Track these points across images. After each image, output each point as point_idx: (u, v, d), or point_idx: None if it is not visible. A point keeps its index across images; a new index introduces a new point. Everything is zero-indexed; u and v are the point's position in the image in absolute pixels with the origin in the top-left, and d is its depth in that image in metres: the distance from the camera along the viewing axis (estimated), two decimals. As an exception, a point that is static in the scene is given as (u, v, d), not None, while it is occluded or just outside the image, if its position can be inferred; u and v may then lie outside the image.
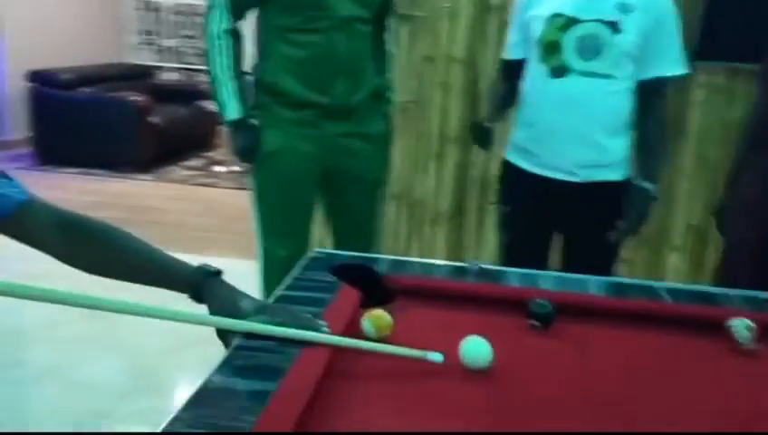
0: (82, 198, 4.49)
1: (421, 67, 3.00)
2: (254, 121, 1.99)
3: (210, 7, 1.94)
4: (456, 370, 1.01)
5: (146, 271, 1.07)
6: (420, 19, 2.95)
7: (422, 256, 1.33)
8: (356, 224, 2.18)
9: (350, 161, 2.05)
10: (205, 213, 4.41)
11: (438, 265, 1.42)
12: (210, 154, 6.14)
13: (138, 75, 6.34)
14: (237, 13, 1.96)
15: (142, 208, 4.45)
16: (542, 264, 1.97)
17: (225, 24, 1.94)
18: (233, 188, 4.65)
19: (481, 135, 2.01)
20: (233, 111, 1.95)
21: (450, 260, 1.54)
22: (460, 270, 1.38)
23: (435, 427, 0.89)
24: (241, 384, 0.89)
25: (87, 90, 5.46)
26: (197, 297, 1.04)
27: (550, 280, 1.37)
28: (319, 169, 2.03)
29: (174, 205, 4.54)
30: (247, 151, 2.00)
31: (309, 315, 1.04)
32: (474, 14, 2.93)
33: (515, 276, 1.38)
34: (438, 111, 3.04)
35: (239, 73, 1.97)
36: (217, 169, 5.50)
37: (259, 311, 1.02)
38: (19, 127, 5.54)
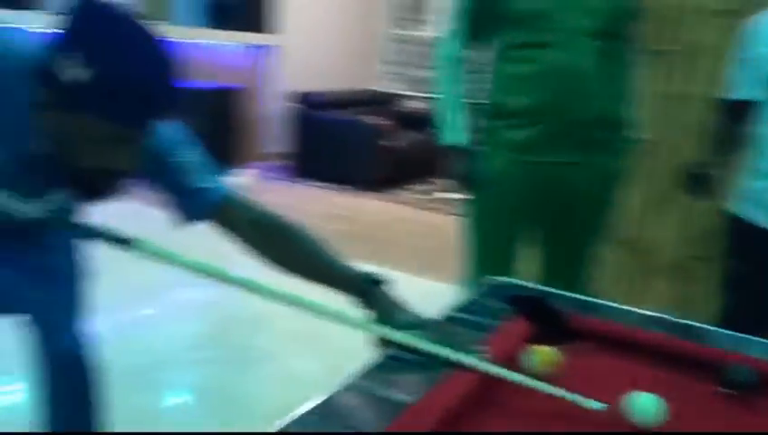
0: (317, 209, 4.89)
1: (660, 103, 2.80)
2: (473, 148, 1.98)
3: (443, 34, 1.99)
4: (614, 424, 0.92)
5: (323, 273, 1.14)
6: (665, 53, 2.76)
7: (638, 306, 1.22)
8: (566, 263, 2.06)
9: (569, 195, 1.93)
10: (424, 235, 4.54)
11: (631, 312, 1.30)
12: (441, 180, 6.31)
13: (384, 101, 6.75)
14: (471, 39, 1.96)
15: (366, 224, 4.71)
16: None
17: (454, 51, 1.96)
18: (458, 215, 4.70)
19: (696, 182, 1.81)
20: (452, 136, 1.96)
21: (670, 313, 1.39)
22: (653, 320, 1.26)
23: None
24: (381, 391, 0.90)
25: (337, 112, 5.96)
26: (365, 304, 1.08)
27: (762, 348, 1.19)
28: (534, 200, 1.94)
29: (396, 225, 4.74)
30: (464, 177, 1.99)
31: (467, 339, 1.03)
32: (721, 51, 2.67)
33: (719, 337, 1.22)
34: (673, 151, 2.81)
35: (462, 101, 1.97)
36: (445, 195, 5.64)
37: (418, 326, 1.03)
38: (281, 142, 6.21)
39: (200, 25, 5.68)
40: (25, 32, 1.12)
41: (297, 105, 5.89)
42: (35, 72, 0.98)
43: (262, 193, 5.25)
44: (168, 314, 2.95)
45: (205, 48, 5.46)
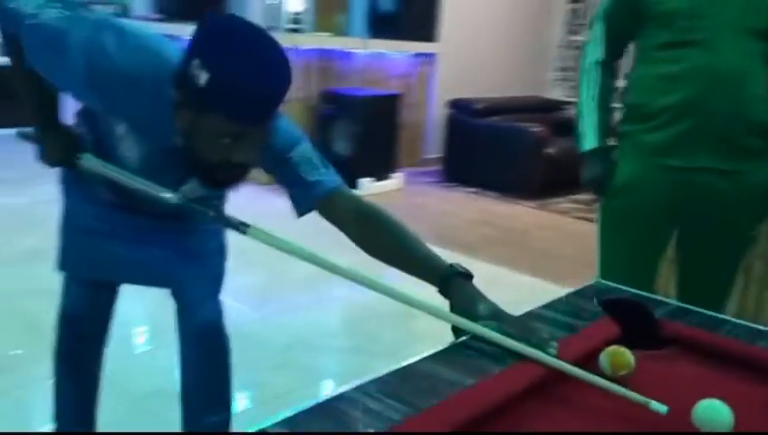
0: (466, 214, 4.96)
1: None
2: (610, 153, 1.96)
3: (588, 40, 1.99)
4: (675, 428, 0.92)
5: (412, 263, 1.22)
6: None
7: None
8: (705, 277, 1.97)
9: (712, 205, 1.83)
10: (571, 244, 4.44)
11: (733, 323, 1.25)
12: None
13: (547, 109, 6.65)
14: (615, 45, 1.93)
15: (511, 229, 4.70)
16: None
17: (598, 56, 1.94)
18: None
19: None
20: (590, 141, 1.94)
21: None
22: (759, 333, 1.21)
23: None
24: (444, 373, 0.97)
25: (496, 119, 5.98)
26: (444, 292, 1.15)
27: None
28: (671, 207, 1.87)
29: (546, 233, 4.68)
30: (597, 182, 1.97)
31: (542, 335, 1.06)
32: None
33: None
34: None
35: (604, 106, 1.94)
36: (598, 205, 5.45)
37: (493, 317, 1.08)
38: (436, 148, 6.35)
39: (365, 36, 5.99)
40: (175, 41, 1.31)
41: (455, 112, 6.00)
42: (174, 76, 1.17)
43: (414, 196, 5.43)
44: (316, 304, 3.18)
45: (369, 57, 5.75)
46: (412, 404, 0.87)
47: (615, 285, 1.40)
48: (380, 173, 5.37)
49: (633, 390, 0.95)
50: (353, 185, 5.20)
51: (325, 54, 5.38)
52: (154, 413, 2.14)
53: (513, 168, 5.65)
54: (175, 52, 1.24)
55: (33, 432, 0.64)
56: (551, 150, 5.64)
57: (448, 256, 1.23)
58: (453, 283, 1.14)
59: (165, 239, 1.53)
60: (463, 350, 1.05)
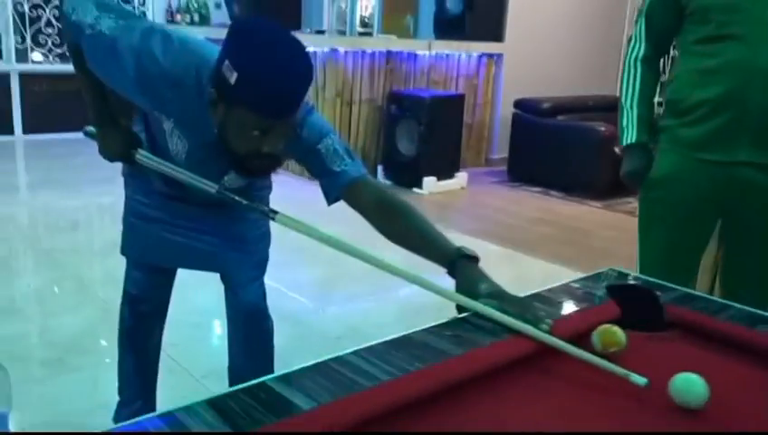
0: (528, 213, 4.96)
1: None
2: (650, 147, 1.97)
3: (631, 36, 2.01)
4: (653, 400, 0.97)
5: (424, 246, 1.31)
6: None
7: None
8: (749, 271, 1.96)
9: (752, 199, 1.83)
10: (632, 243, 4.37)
11: (737, 308, 1.28)
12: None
13: (613, 107, 6.45)
14: (656, 41, 1.95)
15: (577, 230, 4.67)
16: None
17: (640, 53, 1.96)
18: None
19: None
20: (629, 136, 1.97)
21: None
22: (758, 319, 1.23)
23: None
24: (437, 343, 1.05)
25: (561, 118, 5.94)
26: (451, 273, 1.24)
27: None
28: (710, 202, 1.88)
29: (609, 233, 4.62)
30: (635, 175, 1.99)
31: (537, 313, 1.13)
32: None
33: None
34: None
35: (645, 102, 1.96)
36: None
37: (493, 295, 1.16)
38: (503, 148, 6.36)
39: (432, 37, 6.07)
40: (213, 44, 1.44)
41: (520, 111, 5.99)
42: (212, 75, 1.30)
43: (478, 195, 5.47)
44: (371, 297, 3.30)
45: (435, 58, 5.83)
46: (401, 368, 0.97)
47: (629, 272, 1.44)
48: (444, 172, 5.44)
49: (626, 367, 1.01)
50: (417, 184, 5.30)
51: (391, 56, 5.50)
52: (211, 391, 2.30)
53: (579, 167, 5.59)
54: (214, 54, 1.37)
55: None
56: (617, 149, 5.54)
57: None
58: (459, 264, 1.22)
59: (213, 227, 1.67)
60: (461, 324, 1.13)
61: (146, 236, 1.73)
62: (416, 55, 5.68)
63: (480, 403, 0.95)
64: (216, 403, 0.86)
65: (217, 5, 6.79)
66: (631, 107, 1.96)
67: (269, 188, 1.75)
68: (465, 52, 5.97)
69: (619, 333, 1.11)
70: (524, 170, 5.94)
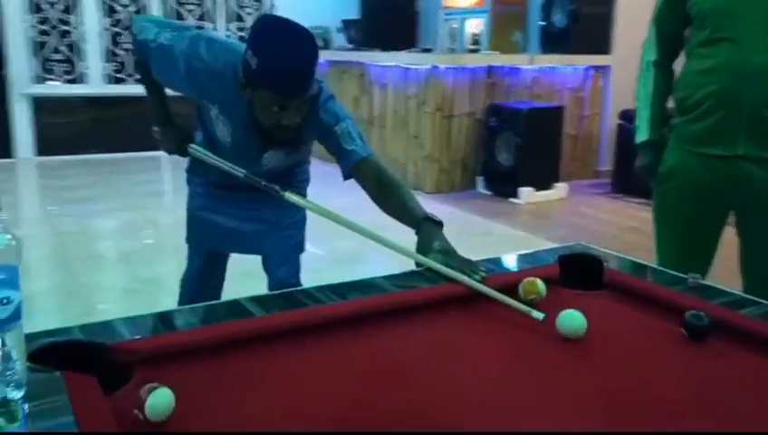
0: (624, 222, 4.98)
1: None
2: (661, 145, 2.12)
3: (645, 41, 2.20)
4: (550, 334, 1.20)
5: (404, 215, 1.60)
6: None
7: None
8: (763, 259, 2.05)
9: (755, 191, 1.94)
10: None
11: (665, 273, 1.46)
12: None
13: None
14: (666, 46, 2.11)
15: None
16: None
17: (651, 56, 2.14)
18: None
19: None
20: (642, 134, 2.15)
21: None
22: (678, 280, 1.41)
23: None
24: (385, 285, 1.34)
25: (670, 129, 5.85)
26: (417, 233, 1.51)
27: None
28: (716, 194, 2.00)
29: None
30: (644, 170, 2.16)
31: (476, 267, 1.38)
32: None
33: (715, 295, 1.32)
34: None
35: (657, 103, 2.12)
36: None
37: (441, 252, 1.43)
38: (612, 160, 6.35)
39: (539, 52, 6.23)
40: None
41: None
42: (241, 62, 1.61)
43: (576, 205, 5.55)
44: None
45: (539, 72, 5.99)
46: (345, 298, 1.27)
47: (599, 248, 1.62)
48: (543, 183, 5.57)
49: (547, 313, 1.23)
50: (514, 194, 5.47)
51: (493, 71, 5.73)
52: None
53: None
54: (241, 45, 1.69)
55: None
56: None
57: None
58: (423, 226, 1.51)
59: (255, 213, 1.97)
60: (412, 275, 1.41)
61: (204, 224, 2.04)
62: (518, 69, 5.87)
63: (406, 326, 1.23)
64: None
65: (338, 30, 7.35)
66: (643, 107, 2.13)
67: (307, 181, 2.05)
68: (570, 65, 6.07)
69: (538, 283, 1.34)
70: (628, 182, 5.90)
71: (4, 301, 0.86)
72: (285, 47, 1.54)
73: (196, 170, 2.02)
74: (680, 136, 2.05)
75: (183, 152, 1.95)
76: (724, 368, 1.12)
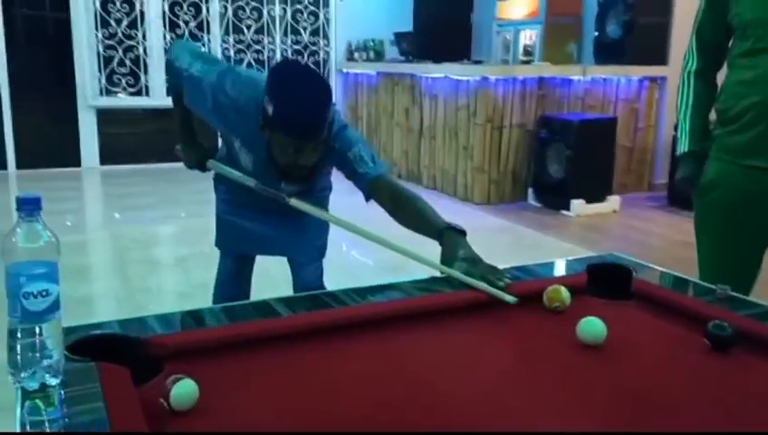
0: (675, 236, 4.86)
1: None
2: (702, 156, 2.10)
3: (686, 51, 2.18)
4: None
5: (422, 226, 1.62)
6: None
7: None
8: None
9: None
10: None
11: (695, 284, 1.45)
12: None
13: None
14: (706, 56, 2.08)
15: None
16: None
17: (692, 66, 2.11)
18: None
19: None
20: (683, 145, 2.11)
21: None
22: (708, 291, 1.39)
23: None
24: (408, 290, 1.38)
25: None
26: (440, 243, 1.54)
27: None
28: (758, 206, 1.96)
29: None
30: (685, 181, 2.12)
31: (500, 274, 1.40)
32: None
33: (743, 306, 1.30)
34: None
35: (698, 113, 2.09)
36: None
37: (465, 260, 1.45)
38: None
39: (593, 63, 6.17)
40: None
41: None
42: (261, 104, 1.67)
43: (628, 218, 5.45)
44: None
45: (592, 83, 5.92)
46: (369, 301, 1.31)
47: (631, 258, 1.62)
48: (595, 195, 5.49)
49: (572, 321, 1.24)
50: (565, 206, 5.42)
51: (544, 82, 5.70)
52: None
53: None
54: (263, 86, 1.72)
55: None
56: None
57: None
58: (445, 235, 1.53)
59: (279, 218, 2.03)
60: (435, 281, 1.44)
61: (231, 229, 2.14)
62: (570, 81, 5.82)
63: (424, 330, 1.26)
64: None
65: (391, 42, 7.44)
66: (684, 118, 2.10)
67: (329, 189, 2.11)
68: (624, 76, 5.98)
69: (562, 291, 1.35)
70: (683, 195, 5.76)
71: (44, 293, 0.94)
72: (299, 94, 1.60)
73: (221, 178, 2.10)
74: (722, 147, 2.02)
75: (202, 167, 2.04)
76: (744, 378, 1.11)
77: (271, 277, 2.40)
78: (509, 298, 1.31)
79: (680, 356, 1.19)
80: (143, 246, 4.71)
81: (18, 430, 0.88)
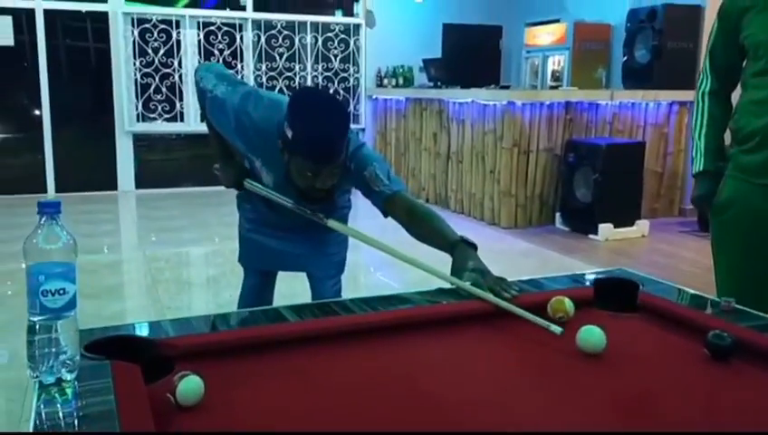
0: (705, 261, 4.78)
1: None
2: (717, 175, 2.10)
3: (701, 71, 2.20)
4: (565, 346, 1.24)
5: (436, 240, 1.66)
6: None
7: None
8: None
9: None
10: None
11: (701, 297, 1.45)
12: None
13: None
14: (720, 76, 2.10)
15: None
16: None
17: (706, 87, 2.13)
18: None
19: None
20: (697, 165, 2.13)
21: None
22: (713, 303, 1.40)
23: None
24: (416, 299, 1.41)
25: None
26: (451, 255, 1.57)
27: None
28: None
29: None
30: (701, 200, 2.13)
31: (506, 285, 1.43)
32: None
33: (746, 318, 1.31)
34: None
35: (712, 133, 2.11)
36: None
37: (474, 271, 1.48)
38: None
39: (621, 88, 6.17)
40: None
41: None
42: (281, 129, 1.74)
43: (657, 243, 5.40)
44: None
45: (620, 107, 5.92)
46: (377, 309, 1.35)
47: (639, 273, 1.63)
48: (623, 220, 5.45)
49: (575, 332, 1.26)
50: (593, 230, 5.39)
51: (571, 106, 5.71)
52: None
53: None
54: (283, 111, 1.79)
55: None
56: None
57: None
58: (457, 247, 1.56)
59: (299, 235, 2.09)
60: (442, 292, 1.47)
61: (254, 246, 2.20)
62: (597, 105, 5.82)
63: (428, 338, 1.29)
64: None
65: (420, 69, 7.54)
66: (699, 138, 2.11)
67: (348, 207, 2.17)
68: (653, 100, 5.96)
69: (566, 302, 1.37)
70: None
71: (60, 291, 1.00)
72: (318, 121, 1.66)
73: (245, 196, 2.17)
74: (737, 166, 2.02)
75: (240, 186, 2.08)
76: (740, 387, 1.11)
77: (292, 292, 2.45)
78: (555, 329, 1.29)
79: (680, 366, 1.20)
80: (174, 267, 4.83)
81: (32, 418, 0.93)
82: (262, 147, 1.87)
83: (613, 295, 1.49)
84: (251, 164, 2.03)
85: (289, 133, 1.66)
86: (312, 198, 1.79)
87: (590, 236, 5.42)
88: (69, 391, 1.00)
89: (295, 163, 1.70)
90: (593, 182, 5.34)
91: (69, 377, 1.02)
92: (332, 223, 1.83)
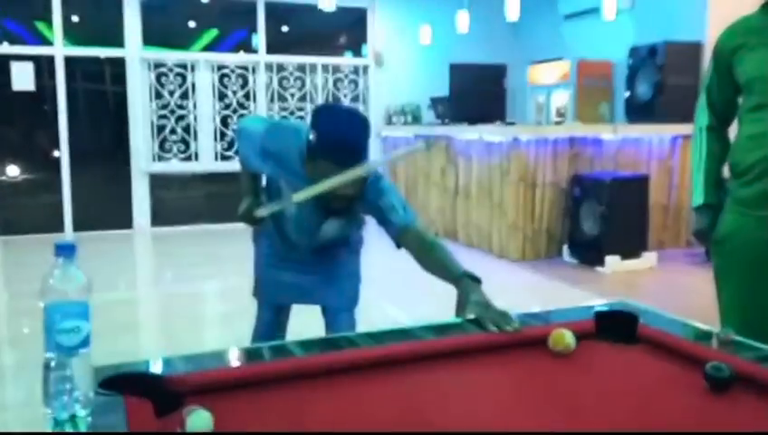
0: (710, 290, 4.76)
1: None
2: (716, 208, 2.15)
3: (697, 107, 2.25)
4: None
5: (443, 273, 1.71)
6: None
7: None
8: None
9: None
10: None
11: (701, 329, 1.48)
12: None
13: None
14: (716, 112, 2.15)
15: None
16: None
17: (703, 122, 2.18)
18: None
19: None
20: (697, 198, 2.18)
21: None
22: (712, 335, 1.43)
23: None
24: (424, 334, 1.45)
25: None
26: (457, 289, 1.62)
27: None
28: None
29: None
30: (701, 233, 2.18)
31: (509, 318, 1.47)
32: None
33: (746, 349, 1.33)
34: None
35: (710, 167, 2.16)
36: None
37: (478, 305, 1.52)
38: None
39: (625, 122, 6.23)
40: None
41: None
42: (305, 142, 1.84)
43: (665, 274, 5.40)
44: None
45: (624, 142, 5.97)
46: (383, 343, 1.38)
47: (640, 305, 1.66)
48: (629, 252, 5.47)
49: (578, 365, 1.32)
50: (600, 262, 5.40)
51: (575, 141, 5.77)
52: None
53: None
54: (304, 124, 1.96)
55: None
56: None
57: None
58: (461, 282, 1.62)
59: (314, 269, 2.17)
60: (447, 325, 1.51)
61: (270, 279, 2.26)
62: (601, 140, 5.88)
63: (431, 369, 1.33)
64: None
65: (428, 107, 7.66)
66: (698, 171, 2.15)
67: (361, 242, 2.26)
68: (656, 133, 6.01)
69: (566, 335, 1.40)
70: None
71: (75, 329, 1.05)
72: (339, 122, 1.79)
73: (264, 236, 2.25)
74: (735, 199, 2.06)
75: (252, 219, 2.08)
76: (738, 419, 1.14)
77: (307, 330, 2.47)
78: (420, 146, 1.41)
79: (679, 397, 1.22)
80: (189, 303, 4.87)
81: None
82: (284, 170, 1.96)
83: (614, 327, 1.52)
84: (275, 188, 2.10)
85: (313, 138, 1.77)
86: (334, 207, 1.87)
87: (598, 268, 5.43)
88: (82, 426, 1.04)
89: (319, 168, 1.78)
90: (599, 215, 5.37)
91: (82, 413, 1.07)
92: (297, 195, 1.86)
